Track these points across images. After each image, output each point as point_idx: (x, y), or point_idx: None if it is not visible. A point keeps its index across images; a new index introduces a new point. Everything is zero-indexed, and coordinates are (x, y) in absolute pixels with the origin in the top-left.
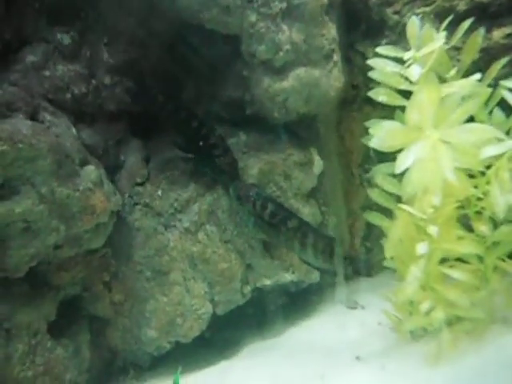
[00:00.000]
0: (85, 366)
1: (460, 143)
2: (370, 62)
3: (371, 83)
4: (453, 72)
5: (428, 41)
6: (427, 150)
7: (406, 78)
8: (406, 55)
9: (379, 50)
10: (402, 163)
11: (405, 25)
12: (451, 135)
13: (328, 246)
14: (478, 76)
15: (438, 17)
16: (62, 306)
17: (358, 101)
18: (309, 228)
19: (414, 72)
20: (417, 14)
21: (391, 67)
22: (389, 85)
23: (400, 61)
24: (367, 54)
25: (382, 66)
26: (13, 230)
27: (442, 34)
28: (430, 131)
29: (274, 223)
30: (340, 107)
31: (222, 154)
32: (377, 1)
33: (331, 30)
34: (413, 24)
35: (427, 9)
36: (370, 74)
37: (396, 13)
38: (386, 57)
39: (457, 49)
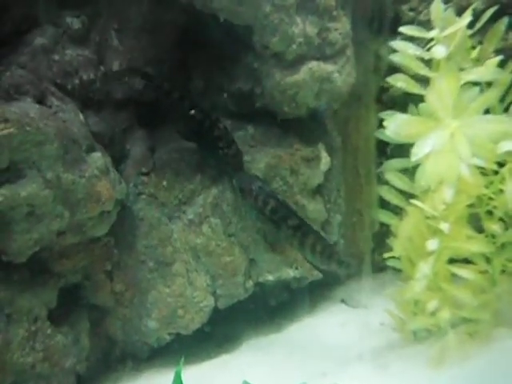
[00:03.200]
0: (84, 354)
1: (477, 134)
2: (392, 43)
3: (382, 81)
4: (474, 55)
5: (451, 25)
6: (445, 139)
7: (427, 63)
8: (431, 33)
9: (402, 29)
10: (419, 151)
11: (420, 22)
12: (470, 124)
13: (327, 248)
14: (499, 58)
15: (456, 15)
16: (62, 294)
17: (366, 99)
18: (309, 228)
19: (439, 51)
20: None
21: (413, 50)
22: (409, 68)
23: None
24: (379, 51)
25: (403, 48)
26: (17, 214)
27: (467, 14)
28: (449, 120)
29: (274, 219)
30: (348, 105)
31: (227, 146)
32: None
33: (345, 25)
34: (437, 5)
35: (449, 10)
36: (391, 56)
37: (412, 10)
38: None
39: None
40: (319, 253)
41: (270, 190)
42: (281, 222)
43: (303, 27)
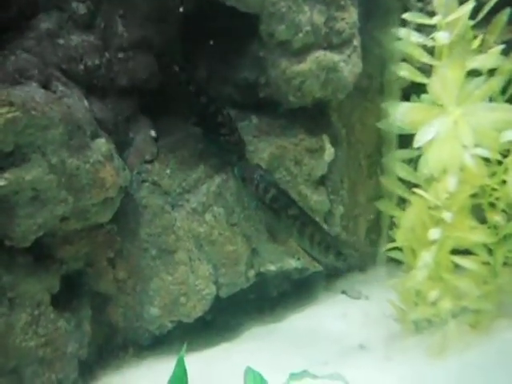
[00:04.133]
0: (85, 340)
1: (481, 122)
2: (395, 31)
3: (386, 73)
4: (476, 45)
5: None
6: (449, 127)
7: (430, 52)
8: (434, 19)
9: (406, 16)
10: (422, 137)
11: (428, 13)
12: (473, 112)
13: (325, 239)
14: (501, 47)
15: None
16: (64, 280)
17: (371, 90)
18: (309, 218)
19: (442, 37)
20: None
21: (416, 37)
22: (412, 56)
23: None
24: (385, 42)
25: (407, 35)
26: (21, 198)
27: (470, 1)
28: (453, 107)
29: (274, 208)
30: (353, 96)
31: (229, 133)
32: None
33: (353, 14)
34: None
35: None
36: (395, 44)
37: (420, 0)
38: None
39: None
40: (317, 243)
41: (271, 179)
42: (281, 211)
43: (310, 16)
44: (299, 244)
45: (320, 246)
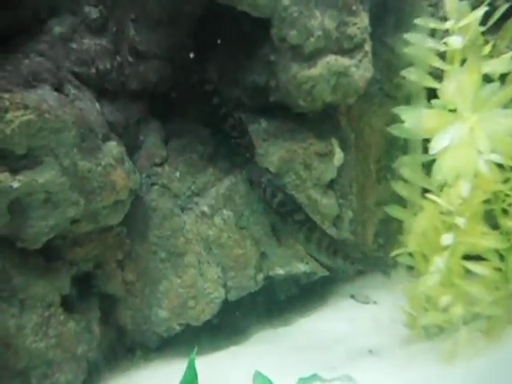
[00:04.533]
0: (95, 342)
1: (496, 129)
2: (407, 35)
3: (395, 78)
4: (487, 49)
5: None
6: (464, 133)
7: (442, 57)
8: (447, 25)
9: (418, 21)
10: (437, 144)
11: (440, 18)
12: (489, 118)
13: (333, 244)
14: None
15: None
16: (74, 282)
17: (379, 95)
18: (315, 224)
19: (455, 41)
20: None
21: (428, 42)
22: (423, 61)
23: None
24: (395, 47)
25: (419, 40)
26: (34, 201)
27: (483, 6)
28: (468, 114)
29: (281, 212)
30: (362, 101)
31: (239, 136)
32: None
33: (364, 19)
34: None
35: (464, 2)
36: (406, 49)
37: (431, 5)
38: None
39: None
40: (325, 248)
41: (278, 184)
42: (287, 216)
43: (322, 20)
44: (306, 249)
45: (328, 250)
